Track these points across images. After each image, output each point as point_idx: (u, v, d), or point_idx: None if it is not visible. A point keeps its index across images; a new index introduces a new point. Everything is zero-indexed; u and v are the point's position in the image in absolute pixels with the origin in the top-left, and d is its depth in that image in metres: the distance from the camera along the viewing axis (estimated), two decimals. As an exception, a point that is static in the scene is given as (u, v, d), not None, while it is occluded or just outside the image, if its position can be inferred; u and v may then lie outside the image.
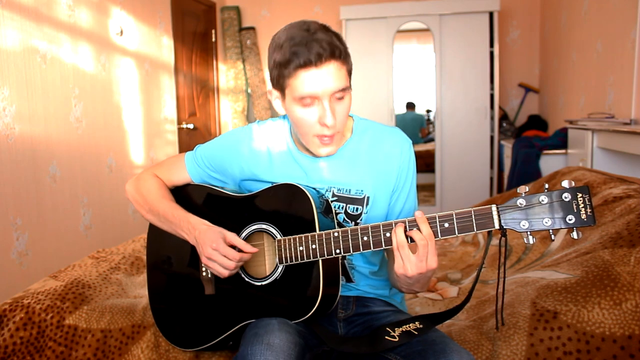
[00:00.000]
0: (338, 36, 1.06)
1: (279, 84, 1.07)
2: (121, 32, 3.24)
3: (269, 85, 4.98)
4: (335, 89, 1.04)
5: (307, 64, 1.01)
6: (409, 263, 0.97)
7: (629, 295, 1.11)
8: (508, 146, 3.95)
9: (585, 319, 1.11)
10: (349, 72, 1.08)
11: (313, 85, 1.02)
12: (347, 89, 1.06)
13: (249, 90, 4.93)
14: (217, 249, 1.09)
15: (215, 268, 1.10)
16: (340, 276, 1.14)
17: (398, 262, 0.98)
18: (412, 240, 0.98)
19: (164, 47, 3.81)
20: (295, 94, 1.05)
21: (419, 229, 0.97)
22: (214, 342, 1.19)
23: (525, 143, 3.52)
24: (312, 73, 1.02)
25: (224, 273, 1.10)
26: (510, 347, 1.13)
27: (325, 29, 1.04)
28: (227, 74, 4.90)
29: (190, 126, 4.19)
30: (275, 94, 1.12)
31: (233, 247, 1.11)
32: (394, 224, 1.00)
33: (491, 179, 4.51)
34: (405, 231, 0.98)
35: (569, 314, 1.13)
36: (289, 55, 1.01)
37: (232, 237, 1.11)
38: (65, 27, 2.72)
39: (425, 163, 4.61)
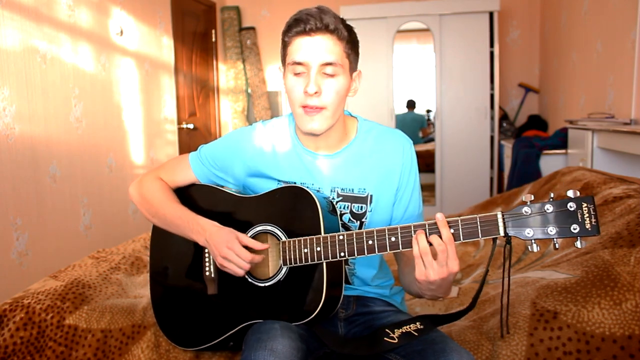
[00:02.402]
0: (347, 25, 1.10)
1: (284, 54, 1.13)
2: (121, 32, 3.23)
3: (270, 83, 4.89)
4: (323, 60, 1.07)
5: (302, 32, 1.07)
6: (432, 269, 0.96)
7: (629, 295, 1.11)
8: (508, 146, 3.95)
9: (585, 319, 1.11)
10: (348, 56, 1.11)
11: (303, 51, 1.08)
12: (339, 66, 1.09)
13: (249, 90, 4.93)
14: (233, 249, 1.09)
15: (231, 268, 1.11)
16: (343, 280, 1.14)
17: (420, 269, 0.97)
18: (430, 244, 0.97)
19: (164, 47, 3.81)
20: (289, 60, 1.10)
21: (436, 233, 0.96)
22: (215, 342, 1.19)
23: (525, 143, 3.52)
24: (305, 40, 1.08)
25: (240, 272, 1.11)
26: (510, 347, 1.13)
27: (336, 15, 1.09)
28: (227, 74, 4.90)
29: (190, 126, 4.19)
30: (282, 70, 1.17)
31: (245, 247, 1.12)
32: (399, 229, 1.00)
33: (491, 179, 4.51)
34: (426, 237, 0.97)
35: (569, 314, 1.13)
36: (291, 22, 1.09)
37: (244, 237, 1.12)
38: (65, 27, 2.71)
39: (425, 163, 4.61)
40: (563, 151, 3.34)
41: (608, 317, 1.10)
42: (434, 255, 0.96)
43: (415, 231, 0.98)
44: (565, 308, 1.15)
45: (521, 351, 1.12)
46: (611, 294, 1.13)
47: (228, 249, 1.10)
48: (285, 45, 1.12)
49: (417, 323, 1.04)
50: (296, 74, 1.10)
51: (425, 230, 0.98)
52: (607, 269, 1.19)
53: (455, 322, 1.33)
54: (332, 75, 1.09)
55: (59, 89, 2.66)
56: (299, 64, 1.08)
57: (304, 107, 1.10)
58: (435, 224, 0.97)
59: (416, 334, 1.02)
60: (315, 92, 1.07)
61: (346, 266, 1.22)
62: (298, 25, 1.07)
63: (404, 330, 1.03)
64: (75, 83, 2.79)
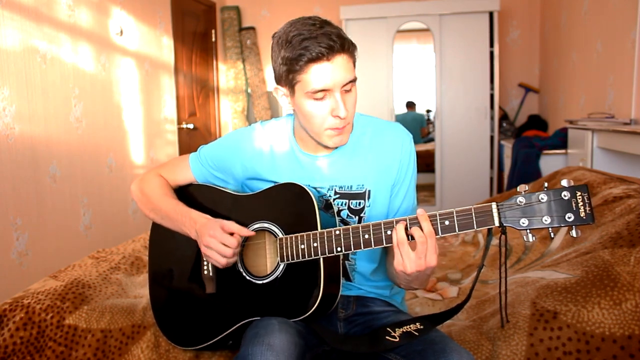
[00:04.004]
0: (341, 30, 1.07)
1: (288, 80, 1.07)
2: (121, 32, 3.23)
3: (270, 83, 4.90)
4: (346, 80, 1.05)
5: (319, 58, 1.01)
6: (408, 260, 0.97)
7: (629, 295, 1.11)
8: (508, 146, 3.95)
9: (585, 319, 1.11)
10: (354, 64, 1.09)
11: (325, 78, 1.03)
12: (354, 80, 1.08)
13: (249, 90, 4.93)
14: (214, 237, 1.09)
15: (214, 256, 1.11)
16: (341, 276, 1.14)
17: (397, 259, 0.99)
18: (413, 238, 0.98)
19: (164, 47, 3.81)
20: (308, 89, 1.05)
21: (419, 227, 0.97)
22: (214, 340, 1.19)
23: (525, 143, 3.52)
24: (324, 66, 1.02)
25: (222, 261, 1.11)
26: (510, 347, 1.13)
27: (328, 22, 1.05)
28: (227, 74, 4.90)
29: (190, 126, 4.19)
30: (282, 91, 1.11)
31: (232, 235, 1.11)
32: (395, 222, 1.00)
33: (491, 179, 4.51)
34: (406, 229, 0.98)
35: (569, 314, 1.13)
36: (300, 49, 1.01)
37: (229, 224, 1.11)
38: (65, 27, 2.71)
39: (425, 163, 4.61)
40: (563, 151, 3.34)
41: (608, 317, 1.10)
42: (413, 248, 0.97)
43: (412, 224, 0.99)
44: (565, 308, 1.15)
45: (521, 351, 1.12)
46: (611, 294, 1.13)
47: (210, 237, 1.10)
48: (294, 71, 1.04)
49: (417, 323, 1.04)
50: (317, 99, 1.06)
51: (407, 222, 0.99)
52: (607, 269, 1.19)
53: (455, 322, 1.33)
54: (350, 91, 1.08)
55: (59, 89, 2.66)
56: (321, 90, 1.05)
57: (333, 129, 1.09)
58: (428, 217, 0.97)
59: (416, 333, 1.02)
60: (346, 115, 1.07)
61: (347, 261, 1.22)
62: (310, 51, 1.00)
63: (404, 330, 1.03)
64: (75, 83, 2.79)
